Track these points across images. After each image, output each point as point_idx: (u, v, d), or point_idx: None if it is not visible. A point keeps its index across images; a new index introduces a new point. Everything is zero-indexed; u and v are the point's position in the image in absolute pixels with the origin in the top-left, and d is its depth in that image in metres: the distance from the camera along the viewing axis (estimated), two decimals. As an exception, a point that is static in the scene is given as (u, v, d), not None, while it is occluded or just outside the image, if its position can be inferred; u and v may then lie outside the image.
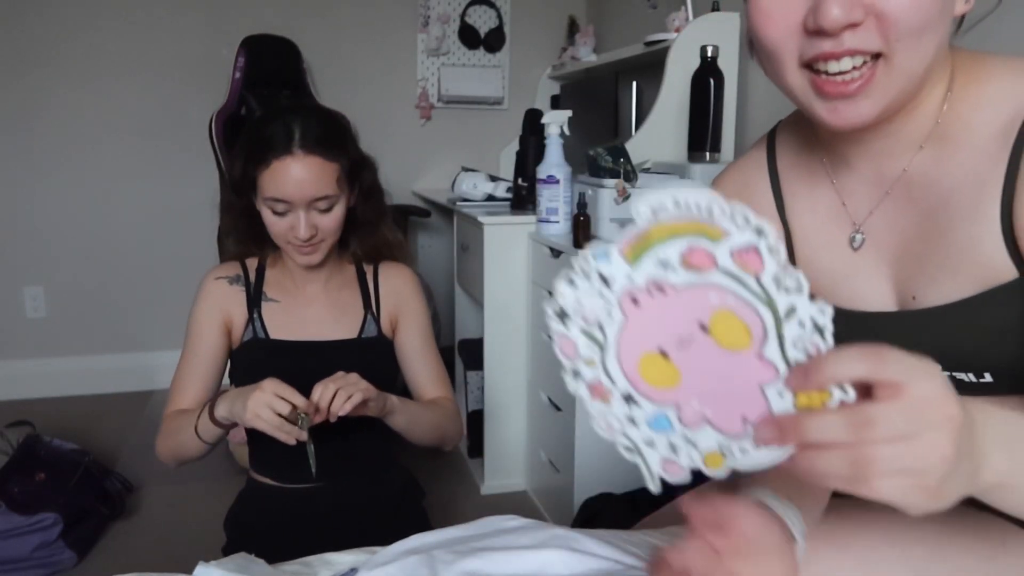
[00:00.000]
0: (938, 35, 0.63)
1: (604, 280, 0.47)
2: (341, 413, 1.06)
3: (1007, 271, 0.66)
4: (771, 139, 0.87)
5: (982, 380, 0.71)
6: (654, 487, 0.50)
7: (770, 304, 0.45)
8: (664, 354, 0.47)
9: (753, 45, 0.77)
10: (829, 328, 0.45)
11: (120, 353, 3.14)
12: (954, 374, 0.72)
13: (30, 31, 2.88)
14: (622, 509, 1.67)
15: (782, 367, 0.46)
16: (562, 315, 0.48)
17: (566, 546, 0.82)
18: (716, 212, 0.45)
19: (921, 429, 0.42)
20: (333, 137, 1.18)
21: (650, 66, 2.34)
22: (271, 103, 2.81)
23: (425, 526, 1.23)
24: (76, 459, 2.03)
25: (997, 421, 0.49)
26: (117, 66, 2.98)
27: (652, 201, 0.46)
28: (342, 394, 1.06)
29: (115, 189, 3.06)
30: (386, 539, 0.95)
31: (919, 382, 0.43)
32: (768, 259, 0.45)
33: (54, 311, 3.07)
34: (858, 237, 0.77)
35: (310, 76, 3.03)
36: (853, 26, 0.61)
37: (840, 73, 0.63)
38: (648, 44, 2.30)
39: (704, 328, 0.46)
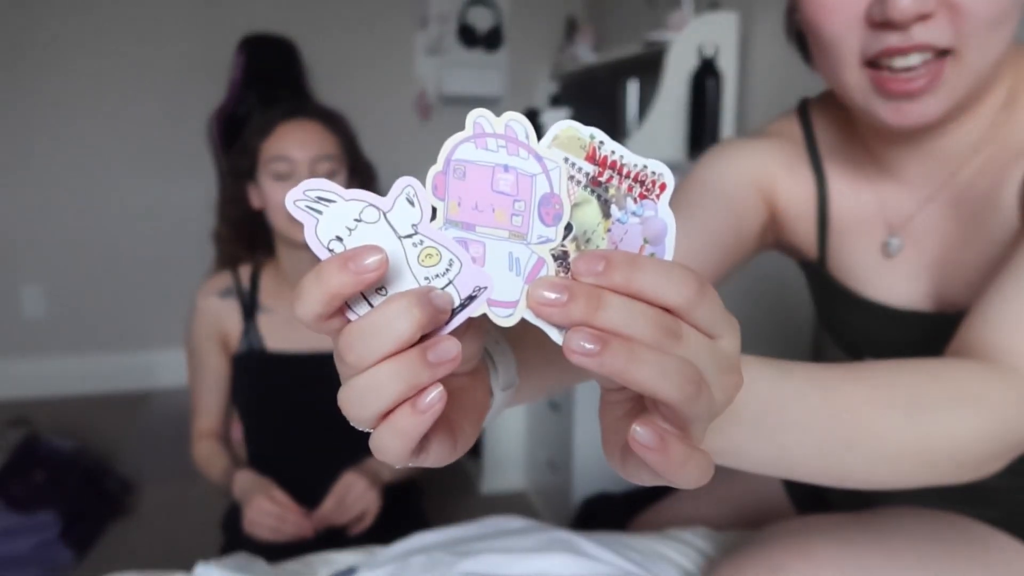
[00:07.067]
0: (1010, 28, 0.58)
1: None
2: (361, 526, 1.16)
3: None
4: (805, 119, 0.80)
5: None
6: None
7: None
8: None
9: (801, 41, 0.72)
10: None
11: (118, 352, 3.14)
12: None
13: (28, 31, 2.88)
14: (621, 509, 1.67)
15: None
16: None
17: (568, 549, 0.82)
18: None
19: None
20: (334, 115, 1.26)
21: (649, 65, 2.33)
22: (270, 103, 2.80)
23: (424, 526, 1.22)
24: (75, 458, 2.03)
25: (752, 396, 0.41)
26: (116, 65, 2.98)
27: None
28: (365, 518, 1.15)
29: (114, 188, 3.05)
30: (386, 539, 0.95)
31: (728, 338, 0.33)
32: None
33: (53, 310, 3.06)
34: (894, 243, 0.73)
35: (309, 75, 3.02)
36: (924, 18, 0.56)
37: (906, 70, 0.58)
38: (647, 43, 2.29)
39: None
